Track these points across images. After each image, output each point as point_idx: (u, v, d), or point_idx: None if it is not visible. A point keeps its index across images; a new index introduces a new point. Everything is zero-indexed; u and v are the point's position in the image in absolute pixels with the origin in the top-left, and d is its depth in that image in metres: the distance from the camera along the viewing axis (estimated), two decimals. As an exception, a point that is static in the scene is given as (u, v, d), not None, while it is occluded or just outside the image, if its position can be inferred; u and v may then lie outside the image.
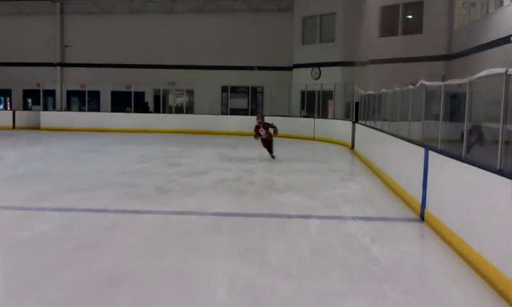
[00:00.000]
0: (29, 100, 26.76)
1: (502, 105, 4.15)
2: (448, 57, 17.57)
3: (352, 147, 15.85)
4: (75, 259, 4.67)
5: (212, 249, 5.04)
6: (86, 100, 24.31)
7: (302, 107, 22.36)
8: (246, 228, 6.08)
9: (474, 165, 4.62)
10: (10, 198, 7.53)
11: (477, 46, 14.87)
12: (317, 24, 22.26)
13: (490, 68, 4.44)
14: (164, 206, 7.07)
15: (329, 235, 5.78)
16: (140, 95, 24.64)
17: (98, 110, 25.00)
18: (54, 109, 26.04)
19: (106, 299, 3.79)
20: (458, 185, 5.02)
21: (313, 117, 20.22)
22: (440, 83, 6.13)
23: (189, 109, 24.56)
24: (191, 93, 25.24)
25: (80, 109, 25.57)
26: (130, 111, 23.40)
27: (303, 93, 21.89)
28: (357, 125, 15.47)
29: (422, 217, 6.30)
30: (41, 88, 24.21)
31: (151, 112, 24.66)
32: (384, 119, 10.69)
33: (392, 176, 8.68)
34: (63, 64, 26.73)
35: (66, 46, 26.50)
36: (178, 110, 24.60)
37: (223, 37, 24.98)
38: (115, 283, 4.06)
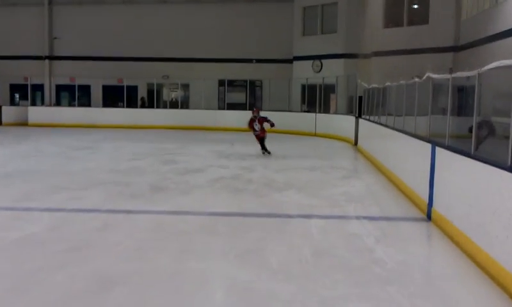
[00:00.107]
0: (17, 95, 26.27)
1: (513, 98, 4.05)
2: (455, 49, 17.31)
3: (356, 143, 15.72)
4: (65, 261, 4.62)
5: (208, 251, 4.98)
6: (76, 95, 23.87)
7: (303, 102, 22.14)
8: (244, 228, 6.01)
9: (483, 161, 4.58)
10: (-3, 198, 7.46)
11: (486, 37, 14.67)
12: (319, 14, 21.89)
13: (500, 59, 4.38)
14: (158, 206, 6.97)
15: (331, 236, 5.71)
16: (133, 89, 24.13)
17: (88, 105, 24.49)
18: (42, 104, 25.60)
19: (98, 303, 3.75)
20: (467, 183, 4.99)
21: (315, 112, 19.95)
22: (448, 76, 6.06)
23: (185, 104, 24.22)
24: (186, 87, 24.82)
25: (70, 104, 25.21)
26: (122, 106, 23.12)
27: (303, 86, 21.65)
28: (360, 120, 15.37)
29: (428, 217, 6.25)
30: (29, 82, 23.77)
31: (147, 108, 24.37)
32: (389, 114, 10.61)
33: (397, 173, 8.62)
34: (51, 57, 26.19)
35: (55, 38, 25.91)
36: (173, 105, 24.35)
37: (219, 28, 24.49)
38: (107, 287, 4.01)
